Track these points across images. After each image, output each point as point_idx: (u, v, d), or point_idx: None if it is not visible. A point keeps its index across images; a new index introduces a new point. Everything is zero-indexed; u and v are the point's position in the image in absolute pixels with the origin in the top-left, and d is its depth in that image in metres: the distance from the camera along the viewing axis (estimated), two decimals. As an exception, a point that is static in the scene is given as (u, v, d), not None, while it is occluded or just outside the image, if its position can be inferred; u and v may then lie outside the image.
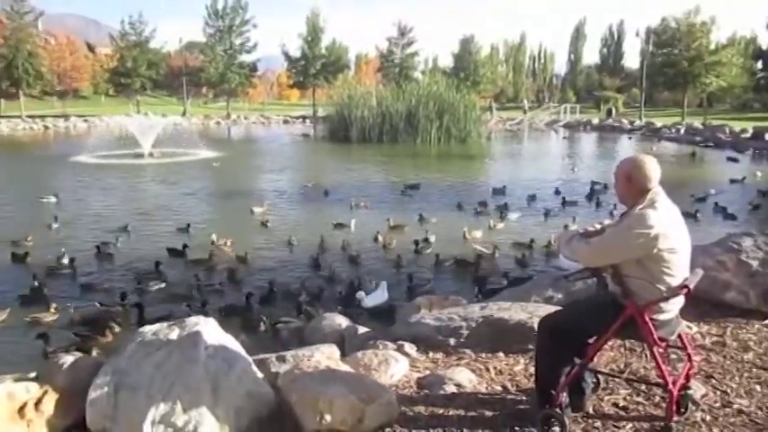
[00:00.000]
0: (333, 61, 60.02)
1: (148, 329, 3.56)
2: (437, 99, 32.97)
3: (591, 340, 3.24)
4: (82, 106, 63.31)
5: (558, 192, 15.58)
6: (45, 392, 3.26)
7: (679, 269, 3.04)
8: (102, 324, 6.59)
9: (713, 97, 58.00)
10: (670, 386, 3.02)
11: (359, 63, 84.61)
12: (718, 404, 3.50)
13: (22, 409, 3.15)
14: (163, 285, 8.17)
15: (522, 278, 8.11)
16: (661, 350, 3.19)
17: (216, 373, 3.32)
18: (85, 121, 48.56)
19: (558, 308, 4.39)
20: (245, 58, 60.74)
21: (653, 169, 3.08)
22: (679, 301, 3.14)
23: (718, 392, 3.65)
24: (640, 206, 3.04)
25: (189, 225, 11.34)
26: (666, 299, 3.02)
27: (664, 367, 3.05)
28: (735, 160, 24.13)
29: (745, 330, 4.67)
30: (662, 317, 3.09)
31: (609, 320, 3.08)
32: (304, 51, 59.26)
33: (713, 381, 3.81)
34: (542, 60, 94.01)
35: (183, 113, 54.15)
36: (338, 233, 11.18)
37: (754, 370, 3.97)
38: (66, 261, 9.12)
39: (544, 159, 26.28)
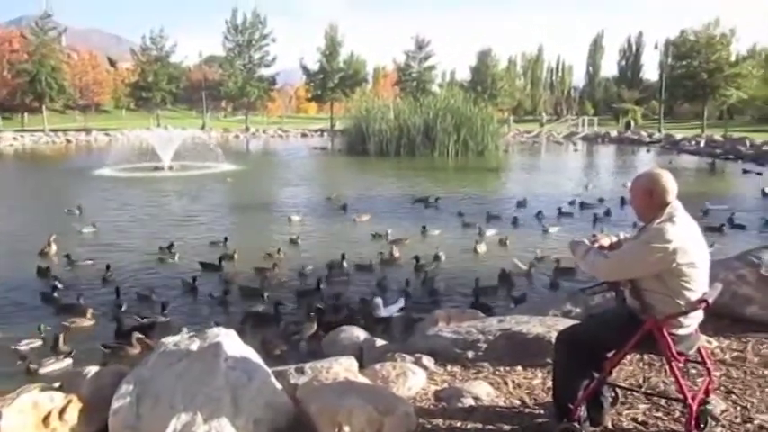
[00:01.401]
0: (351, 75, 60.69)
1: (170, 340, 3.62)
2: (454, 112, 33.09)
3: (609, 354, 3.24)
4: (103, 120, 64.28)
5: (565, 208, 14.87)
6: (69, 402, 3.33)
7: (698, 283, 3.03)
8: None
9: (734, 109, 57.44)
10: (689, 401, 3.01)
11: (376, 76, 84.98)
12: (738, 419, 3.47)
13: (46, 419, 3.22)
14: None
15: (521, 298, 8.00)
16: (680, 365, 3.17)
17: (236, 383, 3.37)
18: (107, 134, 49.24)
19: (577, 322, 4.39)
20: (264, 71, 61.49)
21: (671, 182, 3.10)
22: (698, 316, 3.13)
23: (739, 408, 3.62)
24: (659, 220, 3.04)
25: (226, 239, 11.26)
26: (685, 313, 3.02)
27: (683, 382, 3.04)
28: (750, 172, 23.87)
29: (766, 345, 4.62)
30: (681, 331, 3.08)
31: (627, 334, 3.08)
32: (322, 65, 59.88)
33: (733, 396, 3.78)
34: (560, 73, 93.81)
35: (203, 127, 54.60)
36: (364, 248, 11.00)
37: (775, 385, 3.93)
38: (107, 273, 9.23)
39: (557, 174, 25.52)
